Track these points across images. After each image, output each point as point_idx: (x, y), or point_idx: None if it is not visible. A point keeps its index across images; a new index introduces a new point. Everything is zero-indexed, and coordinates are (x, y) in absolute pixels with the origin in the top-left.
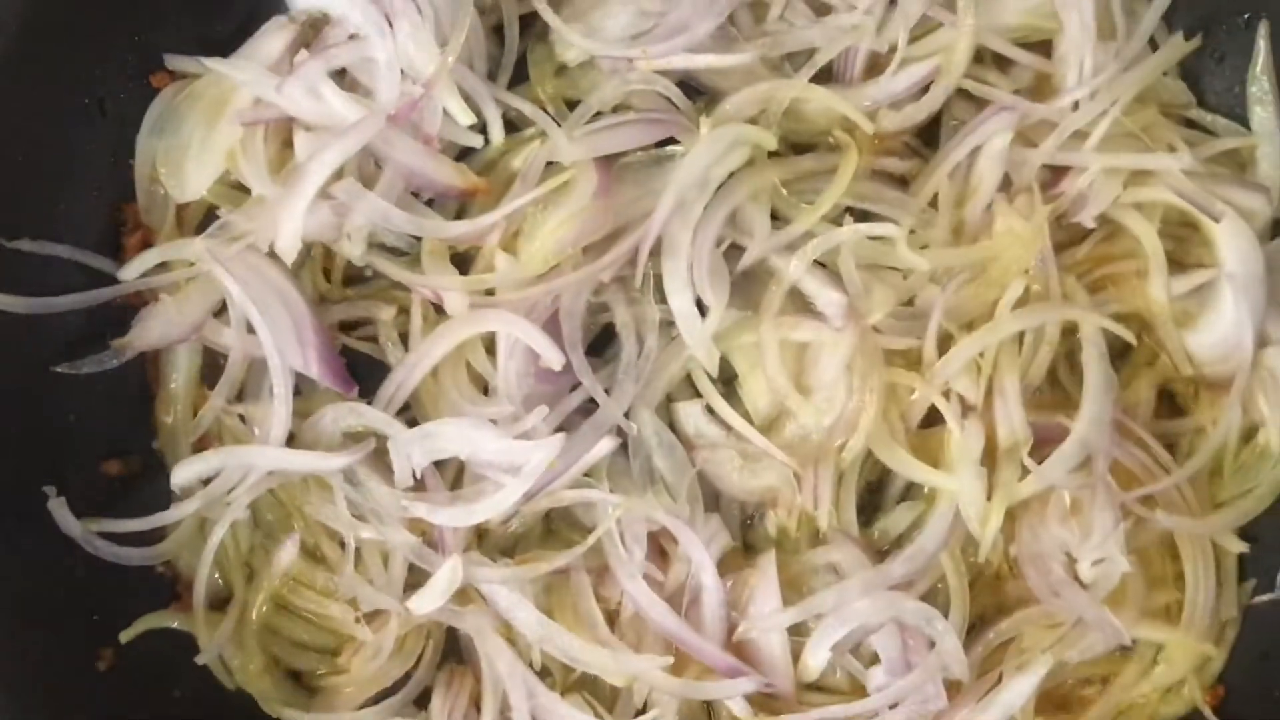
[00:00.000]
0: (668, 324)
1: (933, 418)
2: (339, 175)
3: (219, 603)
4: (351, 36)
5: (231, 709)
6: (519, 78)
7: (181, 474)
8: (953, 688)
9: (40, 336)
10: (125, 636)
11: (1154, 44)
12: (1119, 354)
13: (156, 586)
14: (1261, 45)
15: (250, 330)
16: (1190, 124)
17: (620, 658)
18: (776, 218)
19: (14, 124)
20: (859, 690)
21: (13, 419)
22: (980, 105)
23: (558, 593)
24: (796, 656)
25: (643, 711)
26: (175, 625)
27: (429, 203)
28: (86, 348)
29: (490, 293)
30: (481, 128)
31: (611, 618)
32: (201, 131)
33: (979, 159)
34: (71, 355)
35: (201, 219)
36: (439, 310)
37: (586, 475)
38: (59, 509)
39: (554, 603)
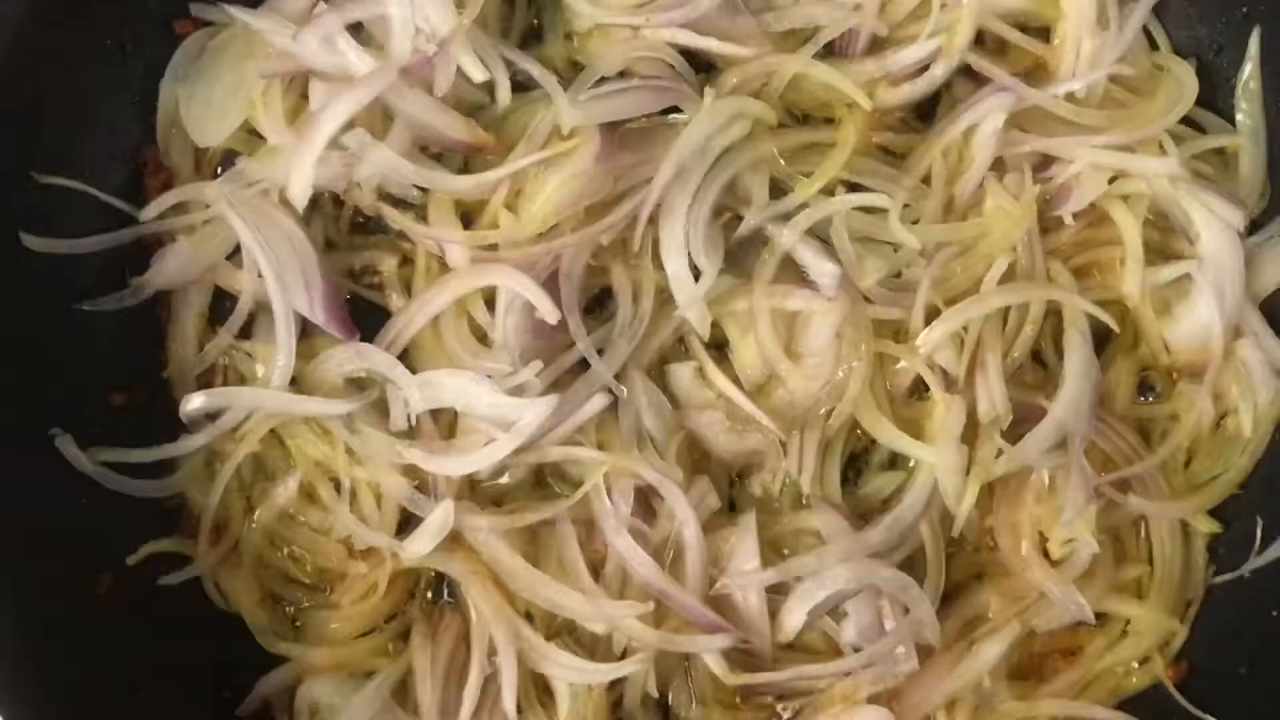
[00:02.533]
0: (663, 289)
1: (921, 392)
2: (351, 126)
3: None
4: None
5: (227, 637)
6: (530, 41)
7: (191, 405)
8: (924, 654)
9: (57, 276)
10: (132, 560)
11: (1150, 37)
12: (1102, 338)
13: (161, 517)
14: (1253, 46)
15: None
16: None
17: (598, 603)
18: (774, 188)
19: (36, 66)
20: (834, 650)
21: (29, 354)
22: (979, 86)
23: (544, 542)
24: (774, 616)
25: None
26: (177, 549)
27: (437, 157)
28: (103, 287)
29: (493, 249)
30: (490, 87)
31: (598, 569)
32: (226, 79)
33: (973, 138)
34: (90, 294)
35: (220, 163)
36: (441, 263)
37: (577, 432)
38: (67, 445)
39: (539, 552)
